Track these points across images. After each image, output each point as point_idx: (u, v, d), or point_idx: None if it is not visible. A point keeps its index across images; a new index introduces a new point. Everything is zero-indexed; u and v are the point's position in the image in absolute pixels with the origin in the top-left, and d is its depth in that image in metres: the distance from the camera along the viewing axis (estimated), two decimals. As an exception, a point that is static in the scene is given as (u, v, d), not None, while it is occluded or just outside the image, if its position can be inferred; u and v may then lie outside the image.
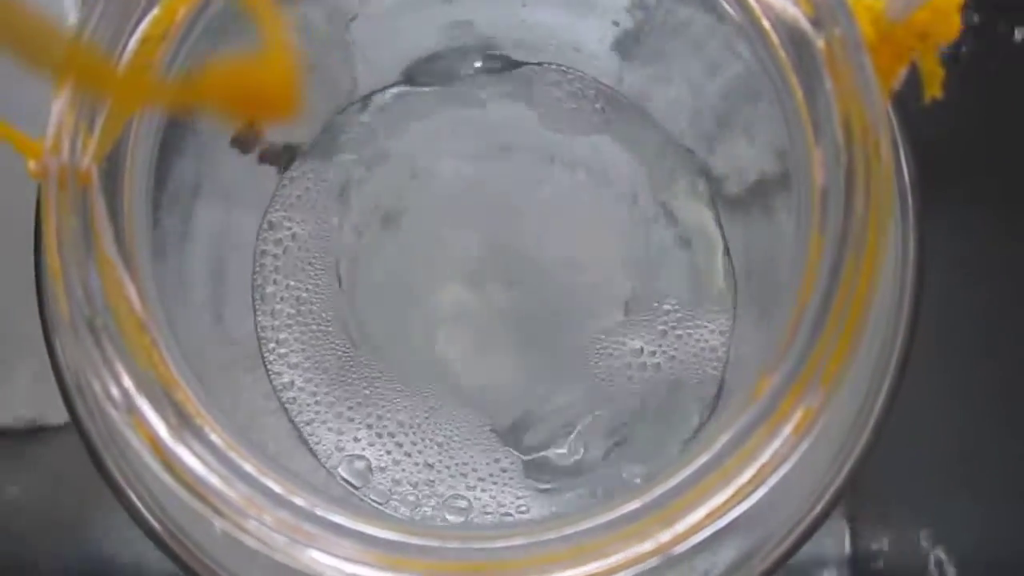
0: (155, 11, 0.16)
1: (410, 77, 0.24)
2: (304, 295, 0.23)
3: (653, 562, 0.14)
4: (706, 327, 0.23)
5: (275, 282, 0.23)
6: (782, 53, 0.15)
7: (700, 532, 0.14)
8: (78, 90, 0.14)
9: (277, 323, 0.23)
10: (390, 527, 0.14)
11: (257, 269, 0.23)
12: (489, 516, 0.22)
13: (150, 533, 0.17)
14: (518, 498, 0.22)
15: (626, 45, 0.23)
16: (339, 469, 0.22)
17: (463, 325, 0.23)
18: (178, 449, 0.14)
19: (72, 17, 0.18)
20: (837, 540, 0.26)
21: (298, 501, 0.14)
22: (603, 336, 0.23)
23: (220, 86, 0.13)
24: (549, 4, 0.23)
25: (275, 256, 0.23)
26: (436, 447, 0.23)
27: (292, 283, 0.23)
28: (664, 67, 0.23)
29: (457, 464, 0.22)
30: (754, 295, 0.23)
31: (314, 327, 0.23)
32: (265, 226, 0.23)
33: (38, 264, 0.17)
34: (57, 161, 0.14)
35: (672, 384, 0.23)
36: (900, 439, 0.19)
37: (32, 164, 0.14)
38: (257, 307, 0.23)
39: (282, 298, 0.23)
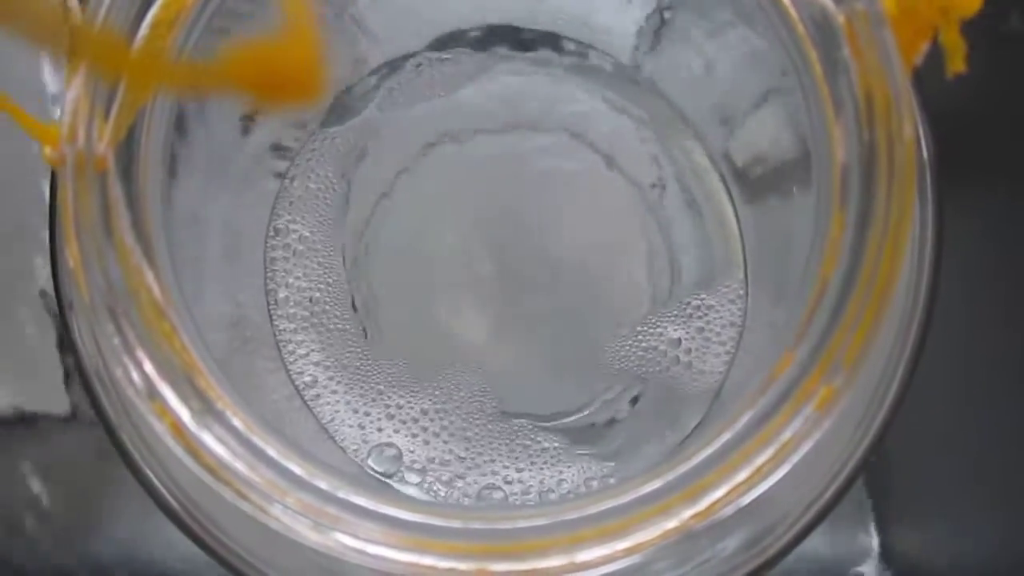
0: (166, -7, 0.15)
1: (419, 54, 0.24)
2: (317, 295, 0.23)
3: (673, 540, 0.14)
4: (718, 314, 0.23)
5: (287, 285, 0.23)
6: (801, 28, 0.15)
7: (723, 509, 0.14)
8: (93, 73, 0.14)
9: (294, 326, 0.23)
10: (413, 508, 0.14)
11: (269, 274, 0.23)
12: (530, 496, 0.22)
13: (172, 516, 0.17)
14: (559, 474, 0.22)
15: (639, 21, 0.23)
16: (368, 460, 0.22)
17: (479, 310, 0.23)
18: (201, 434, 0.14)
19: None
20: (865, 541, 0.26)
21: (321, 484, 0.14)
22: (621, 320, 0.23)
23: (242, 68, 0.12)
24: (561, -20, 0.23)
25: (285, 259, 0.23)
26: (463, 429, 0.23)
27: (304, 284, 0.23)
28: (678, 43, 0.22)
29: (489, 443, 0.23)
30: (766, 284, 0.22)
31: (330, 326, 0.23)
32: (271, 232, 0.23)
33: (54, 251, 0.17)
34: (73, 147, 0.14)
35: (684, 368, 0.23)
36: (916, 423, 0.19)
37: (48, 151, 0.14)
38: (272, 312, 0.23)
39: (296, 302, 0.23)
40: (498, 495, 0.22)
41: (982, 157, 0.23)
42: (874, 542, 0.25)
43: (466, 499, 0.22)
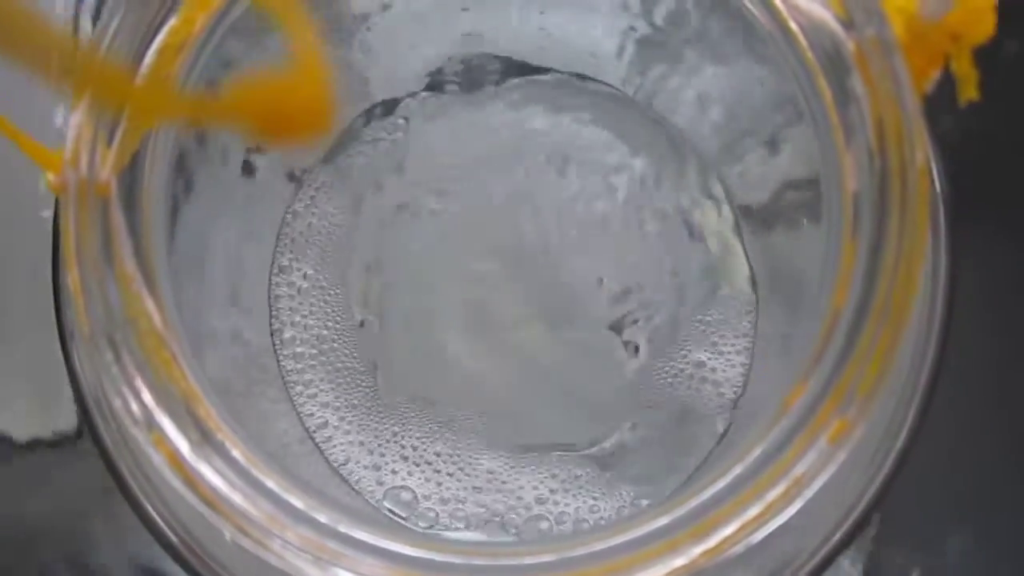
0: (173, 20, 0.16)
1: (425, 87, 0.24)
2: (325, 333, 0.23)
3: (684, 577, 0.14)
4: (731, 327, 0.22)
5: (293, 324, 0.22)
6: (810, 56, 0.15)
7: (733, 547, 0.13)
8: (97, 105, 0.14)
9: (301, 366, 0.22)
10: (416, 544, 0.14)
11: (274, 314, 0.22)
12: (565, 525, 0.22)
13: (170, 549, 0.16)
14: (592, 501, 0.22)
15: (644, 51, 0.23)
16: (384, 502, 0.22)
17: (492, 344, 0.23)
18: (200, 466, 0.14)
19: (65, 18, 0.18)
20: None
21: (321, 518, 0.14)
22: (632, 346, 0.23)
23: (251, 105, 0.12)
24: (566, 10, 0.23)
25: (290, 297, 0.23)
26: (480, 465, 0.22)
27: (311, 323, 0.22)
28: (684, 73, 0.22)
29: (514, 477, 0.22)
30: (774, 313, 0.22)
31: (339, 364, 0.22)
32: (275, 270, 0.23)
33: (56, 278, 0.17)
34: (76, 174, 0.14)
35: (706, 386, 0.22)
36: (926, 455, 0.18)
37: (51, 177, 0.14)
38: (278, 351, 0.22)
39: (302, 340, 0.22)
40: (543, 526, 0.22)
41: (993, 186, 0.23)
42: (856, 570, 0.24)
43: (494, 532, 0.22)
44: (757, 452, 0.14)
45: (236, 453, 0.14)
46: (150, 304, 0.14)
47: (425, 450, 0.22)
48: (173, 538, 0.16)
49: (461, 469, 0.22)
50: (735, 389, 0.22)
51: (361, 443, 0.22)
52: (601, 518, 0.22)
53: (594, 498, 0.22)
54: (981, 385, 0.23)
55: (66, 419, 0.25)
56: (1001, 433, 0.23)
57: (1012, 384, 0.23)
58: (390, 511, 0.22)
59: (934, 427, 0.17)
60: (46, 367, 0.25)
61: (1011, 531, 0.23)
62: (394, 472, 0.22)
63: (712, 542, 0.13)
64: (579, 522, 0.22)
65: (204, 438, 0.14)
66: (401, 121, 0.24)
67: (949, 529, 0.24)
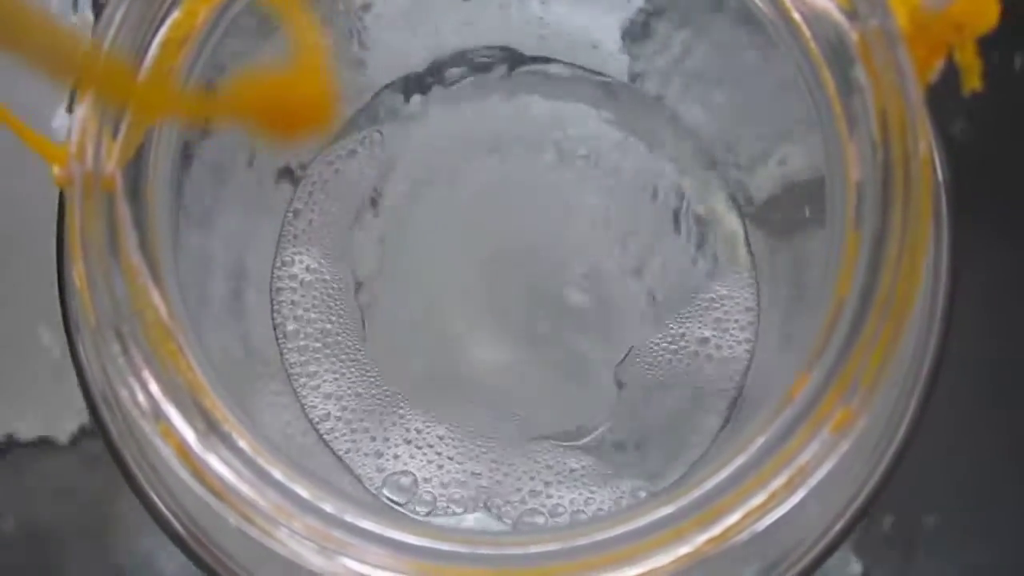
0: (176, 14, 0.16)
1: (424, 79, 0.24)
2: (328, 326, 0.23)
3: (687, 567, 0.14)
4: (734, 301, 0.22)
5: (296, 318, 0.22)
6: (814, 46, 0.15)
7: (738, 535, 0.14)
8: (100, 102, 0.14)
9: (304, 358, 0.22)
10: (421, 533, 0.14)
11: (276, 307, 0.22)
12: (562, 517, 0.22)
13: (177, 539, 0.16)
14: (590, 493, 0.22)
15: (645, 42, 0.23)
16: (383, 490, 0.22)
17: (495, 333, 0.23)
18: (207, 456, 0.14)
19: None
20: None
21: (327, 507, 0.14)
22: (633, 334, 0.23)
23: (252, 102, 0.12)
24: (567, 1, 0.23)
25: (292, 290, 0.23)
26: (481, 453, 0.22)
27: (314, 315, 0.23)
28: (685, 64, 0.22)
29: (513, 466, 0.22)
30: (776, 302, 0.22)
31: (342, 356, 0.23)
32: (278, 264, 0.23)
33: (61, 272, 0.17)
34: (81, 167, 0.14)
35: (694, 390, 0.23)
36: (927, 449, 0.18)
37: (56, 170, 0.14)
38: (282, 345, 0.22)
39: (306, 334, 0.22)
40: (538, 519, 0.22)
41: (994, 182, 0.23)
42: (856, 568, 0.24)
43: (491, 524, 0.22)
44: (761, 441, 0.14)
45: (243, 443, 0.14)
46: (156, 296, 0.14)
47: (428, 433, 0.22)
48: (179, 528, 0.16)
49: (462, 453, 0.22)
50: (742, 363, 0.22)
51: (366, 430, 0.22)
52: (599, 509, 0.22)
53: (591, 491, 0.22)
54: (981, 378, 0.23)
55: (72, 414, 0.25)
56: (1000, 426, 0.23)
57: (1012, 376, 0.23)
58: (388, 498, 0.22)
59: (934, 419, 0.17)
60: (51, 361, 0.25)
61: (1010, 523, 0.23)
62: (396, 457, 0.22)
63: (717, 530, 0.14)
64: (575, 514, 0.22)
65: (211, 428, 0.14)
66: (400, 113, 0.24)
67: (948, 521, 0.24)
